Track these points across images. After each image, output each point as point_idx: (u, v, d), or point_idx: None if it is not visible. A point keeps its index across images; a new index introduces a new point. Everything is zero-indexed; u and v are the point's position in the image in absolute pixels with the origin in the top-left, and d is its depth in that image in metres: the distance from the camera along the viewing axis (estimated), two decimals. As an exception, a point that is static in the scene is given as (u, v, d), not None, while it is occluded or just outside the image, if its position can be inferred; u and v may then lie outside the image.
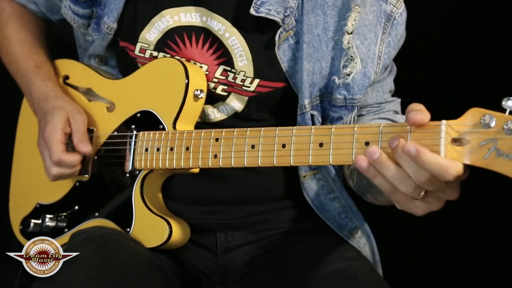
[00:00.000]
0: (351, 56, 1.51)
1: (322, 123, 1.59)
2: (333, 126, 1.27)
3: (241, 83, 1.57)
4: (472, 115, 1.12)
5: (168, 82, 1.57)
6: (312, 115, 1.57)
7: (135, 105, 1.62)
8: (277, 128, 1.35)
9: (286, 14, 1.53)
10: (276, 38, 1.53)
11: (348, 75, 1.52)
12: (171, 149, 1.51)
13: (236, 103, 1.60)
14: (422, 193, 1.14)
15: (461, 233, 2.17)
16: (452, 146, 1.12)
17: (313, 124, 1.57)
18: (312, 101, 1.56)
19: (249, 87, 1.57)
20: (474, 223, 2.11)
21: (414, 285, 2.23)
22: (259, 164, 1.37)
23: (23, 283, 1.50)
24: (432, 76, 1.69)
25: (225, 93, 1.59)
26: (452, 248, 2.20)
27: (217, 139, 1.44)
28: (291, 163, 1.32)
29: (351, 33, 1.51)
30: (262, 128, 1.37)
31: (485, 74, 2.01)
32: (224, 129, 1.43)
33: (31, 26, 1.84)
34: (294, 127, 1.33)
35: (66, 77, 1.79)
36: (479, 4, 2.06)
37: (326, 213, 1.65)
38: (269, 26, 1.54)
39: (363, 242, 1.68)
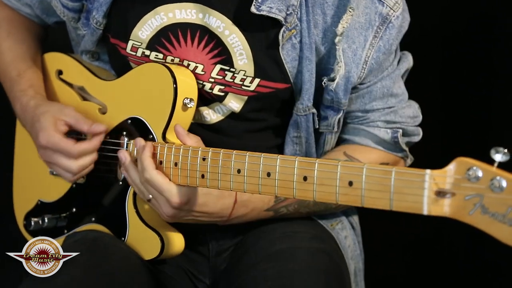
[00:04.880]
0: (337, 60, 1.48)
1: (318, 122, 1.56)
2: (317, 160, 1.22)
3: (241, 83, 1.52)
4: (458, 165, 1.05)
5: (157, 90, 1.53)
6: (313, 114, 1.54)
7: (126, 111, 1.58)
8: (262, 154, 1.31)
9: (288, 13, 1.47)
10: (280, 37, 1.48)
11: (333, 80, 1.49)
12: (160, 162, 1.47)
13: (234, 103, 1.56)
14: (149, 197, 1.43)
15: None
16: (436, 198, 1.07)
17: (314, 123, 1.55)
18: (312, 101, 1.53)
19: (249, 86, 1.52)
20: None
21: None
22: (245, 191, 1.33)
23: None
24: (430, 77, 1.64)
25: (222, 94, 1.55)
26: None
27: (204, 159, 1.40)
28: (276, 194, 1.28)
29: (340, 35, 1.47)
30: (248, 153, 1.33)
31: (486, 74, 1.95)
32: (210, 148, 1.39)
33: (19, 31, 1.78)
34: (279, 156, 1.28)
35: (60, 72, 1.75)
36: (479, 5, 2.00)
37: None
38: (271, 25, 1.48)
39: (343, 234, 1.65)
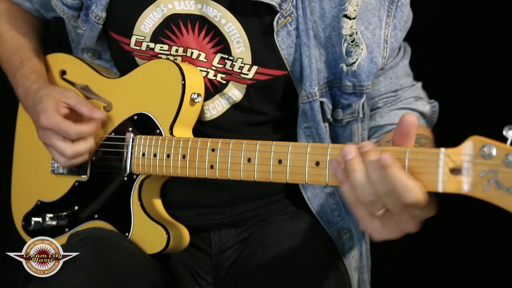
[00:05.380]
0: (356, 43, 1.48)
1: (333, 110, 1.57)
2: (330, 145, 1.24)
3: (239, 71, 1.54)
4: (472, 144, 1.07)
5: (164, 85, 1.54)
6: (321, 103, 1.55)
7: (132, 107, 1.59)
8: (273, 142, 1.32)
9: None
10: (274, 24, 1.50)
11: (354, 63, 1.49)
12: (168, 155, 1.48)
13: (235, 92, 1.57)
14: (381, 211, 1.10)
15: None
16: (451, 175, 1.08)
17: (323, 111, 1.55)
18: (321, 88, 1.54)
19: (247, 74, 1.54)
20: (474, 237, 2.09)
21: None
22: (255, 179, 1.34)
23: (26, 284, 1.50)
24: (429, 68, 1.67)
25: (224, 81, 1.56)
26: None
27: (213, 150, 1.41)
28: (288, 180, 1.29)
29: (354, 18, 1.48)
30: (258, 142, 1.34)
31: (489, 71, 1.99)
32: (220, 140, 1.40)
33: (21, 23, 1.80)
34: (290, 143, 1.30)
35: (63, 72, 1.75)
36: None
37: (318, 206, 1.63)
38: (267, 12, 1.50)
39: (350, 245, 1.65)
